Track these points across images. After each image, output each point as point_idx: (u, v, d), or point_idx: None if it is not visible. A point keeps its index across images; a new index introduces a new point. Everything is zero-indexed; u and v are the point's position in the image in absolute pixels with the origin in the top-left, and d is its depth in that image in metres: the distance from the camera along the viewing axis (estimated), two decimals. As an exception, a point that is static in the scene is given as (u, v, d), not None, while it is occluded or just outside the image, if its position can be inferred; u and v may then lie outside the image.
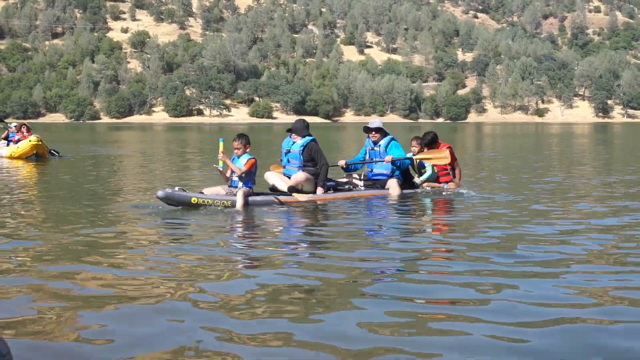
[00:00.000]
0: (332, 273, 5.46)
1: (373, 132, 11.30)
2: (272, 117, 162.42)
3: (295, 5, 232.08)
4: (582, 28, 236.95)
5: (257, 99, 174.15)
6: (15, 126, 22.43)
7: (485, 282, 5.14)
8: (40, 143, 20.72)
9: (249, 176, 9.80)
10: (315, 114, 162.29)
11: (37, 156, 20.57)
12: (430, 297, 4.78)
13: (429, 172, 11.57)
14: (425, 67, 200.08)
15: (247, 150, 9.94)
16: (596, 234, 7.41)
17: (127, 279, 5.26)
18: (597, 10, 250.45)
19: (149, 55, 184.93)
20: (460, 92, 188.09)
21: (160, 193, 9.19)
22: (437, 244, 6.98)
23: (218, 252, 6.41)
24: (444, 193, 11.21)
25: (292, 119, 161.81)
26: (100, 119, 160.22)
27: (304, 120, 10.95)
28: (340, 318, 4.31)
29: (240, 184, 9.78)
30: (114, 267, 5.73)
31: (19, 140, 21.34)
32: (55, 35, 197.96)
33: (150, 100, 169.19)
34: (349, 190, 10.82)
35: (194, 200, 9.27)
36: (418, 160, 11.53)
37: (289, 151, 10.66)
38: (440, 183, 11.57)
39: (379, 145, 11.22)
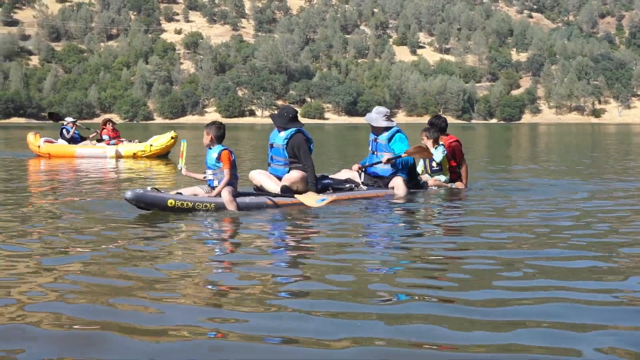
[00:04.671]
0: (338, 285, 4.73)
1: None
2: (323, 118, 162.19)
3: (347, 5, 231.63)
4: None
5: (309, 99, 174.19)
6: (72, 121, 20.24)
7: (501, 292, 4.51)
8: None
9: (231, 172, 8.29)
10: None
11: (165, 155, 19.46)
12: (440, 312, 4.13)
13: (442, 177, 10.51)
14: (478, 68, 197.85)
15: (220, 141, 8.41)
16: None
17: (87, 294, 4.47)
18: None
19: (201, 56, 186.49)
20: (515, 92, 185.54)
21: (128, 194, 7.84)
22: (449, 250, 6.20)
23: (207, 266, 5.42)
24: (452, 190, 10.27)
25: (344, 119, 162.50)
26: (153, 119, 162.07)
27: (289, 109, 9.29)
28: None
29: (215, 183, 8.31)
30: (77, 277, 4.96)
31: (111, 138, 19.44)
32: (110, 37, 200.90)
33: (203, 101, 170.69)
34: (350, 189, 9.53)
35: (171, 203, 7.93)
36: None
37: (272, 145, 9.12)
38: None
39: (382, 137, 10.00)
